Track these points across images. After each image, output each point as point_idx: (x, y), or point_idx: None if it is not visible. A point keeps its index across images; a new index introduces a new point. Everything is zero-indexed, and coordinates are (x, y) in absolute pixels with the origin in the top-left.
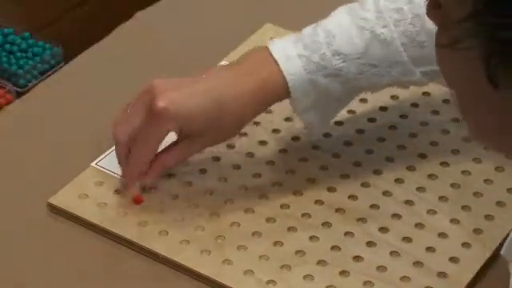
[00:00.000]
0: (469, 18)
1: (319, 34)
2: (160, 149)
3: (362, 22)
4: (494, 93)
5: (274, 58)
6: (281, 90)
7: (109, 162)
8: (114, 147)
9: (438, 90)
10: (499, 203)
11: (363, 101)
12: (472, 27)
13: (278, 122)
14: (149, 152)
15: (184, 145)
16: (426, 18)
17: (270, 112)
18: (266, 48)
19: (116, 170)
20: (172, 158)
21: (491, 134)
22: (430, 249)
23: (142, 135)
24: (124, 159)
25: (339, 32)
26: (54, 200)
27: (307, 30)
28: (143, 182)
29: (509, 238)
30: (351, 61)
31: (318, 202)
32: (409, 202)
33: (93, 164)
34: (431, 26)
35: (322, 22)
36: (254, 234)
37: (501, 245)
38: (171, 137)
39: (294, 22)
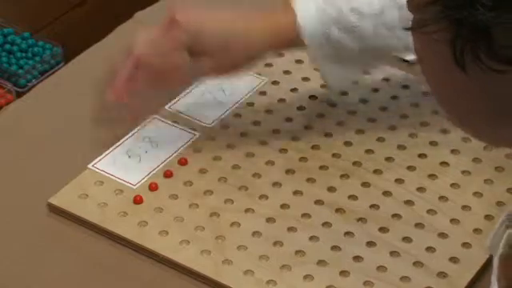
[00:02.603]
0: (436, 1)
1: None
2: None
3: None
4: (465, 78)
5: (292, 8)
6: (293, 35)
7: (106, 163)
8: (110, 149)
9: None
10: (499, 203)
11: (363, 101)
12: (439, 10)
13: (278, 122)
14: (158, 58)
15: (200, 65)
16: None
17: (271, 112)
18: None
19: (113, 171)
20: (185, 76)
21: (467, 121)
22: (429, 249)
23: (155, 40)
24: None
25: None
26: (54, 200)
27: None
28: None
29: (493, 232)
30: (367, 19)
31: (318, 201)
32: (409, 202)
33: (90, 166)
34: None
35: None
36: (254, 233)
37: None
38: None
39: None
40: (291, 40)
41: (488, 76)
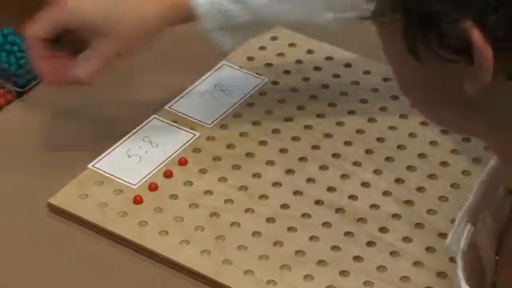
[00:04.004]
0: None
1: None
2: None
3: None
4: (421, 68)
5: None
6: (186, 7)
7: (106, 163)
8: (110, 149)
9: None
10: None
11: (363, 101)
12: (391, 1)
13: (278, 122)
14: (38, 30)
15: (94, 52)
16: None
17: (271, 112)
18: None
19: (113, 171)
20: (84, 67)
21: (423, 103)
22: (429, 249)
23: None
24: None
25: None
26: (53, 200)
27: None
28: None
29: (453, 228)
30: None
31: (318, 201)
32: (409, 202)
33: (90, 166)
34: None
35: None
36: (254, 233)
37: None
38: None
39: None
40: (185, 15)
41: (442, 65)
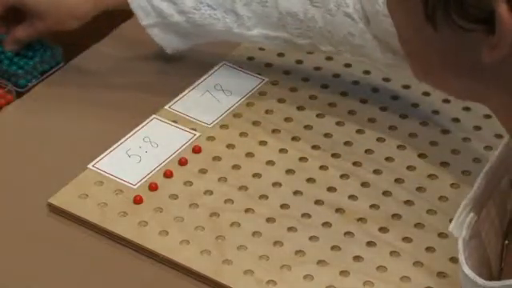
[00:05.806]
0: None
1: None
2: None
3: None
4: (435, 35)
5: None
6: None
7: (106, 163)
8: (110, 149)
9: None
10: None
11: (363, 101)
12: None
13: (277, 122)
14: None
15: (30, 23)
16: None
17: (271, 112)
18: None
19: (113, 171)
20: (21, 30)
21: (433, 72)
22: (429, 249)
23: None
24: None
25: None
26: (54, 200)
27: None
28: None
29: (457, 214)
30: None
31: (318, 201)
32: (409, 202)
33: (90, 166)
34: None
35: None
36: (254, 233)
37: None
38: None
39: None
40: (121, 4)
41: (457, 34)
